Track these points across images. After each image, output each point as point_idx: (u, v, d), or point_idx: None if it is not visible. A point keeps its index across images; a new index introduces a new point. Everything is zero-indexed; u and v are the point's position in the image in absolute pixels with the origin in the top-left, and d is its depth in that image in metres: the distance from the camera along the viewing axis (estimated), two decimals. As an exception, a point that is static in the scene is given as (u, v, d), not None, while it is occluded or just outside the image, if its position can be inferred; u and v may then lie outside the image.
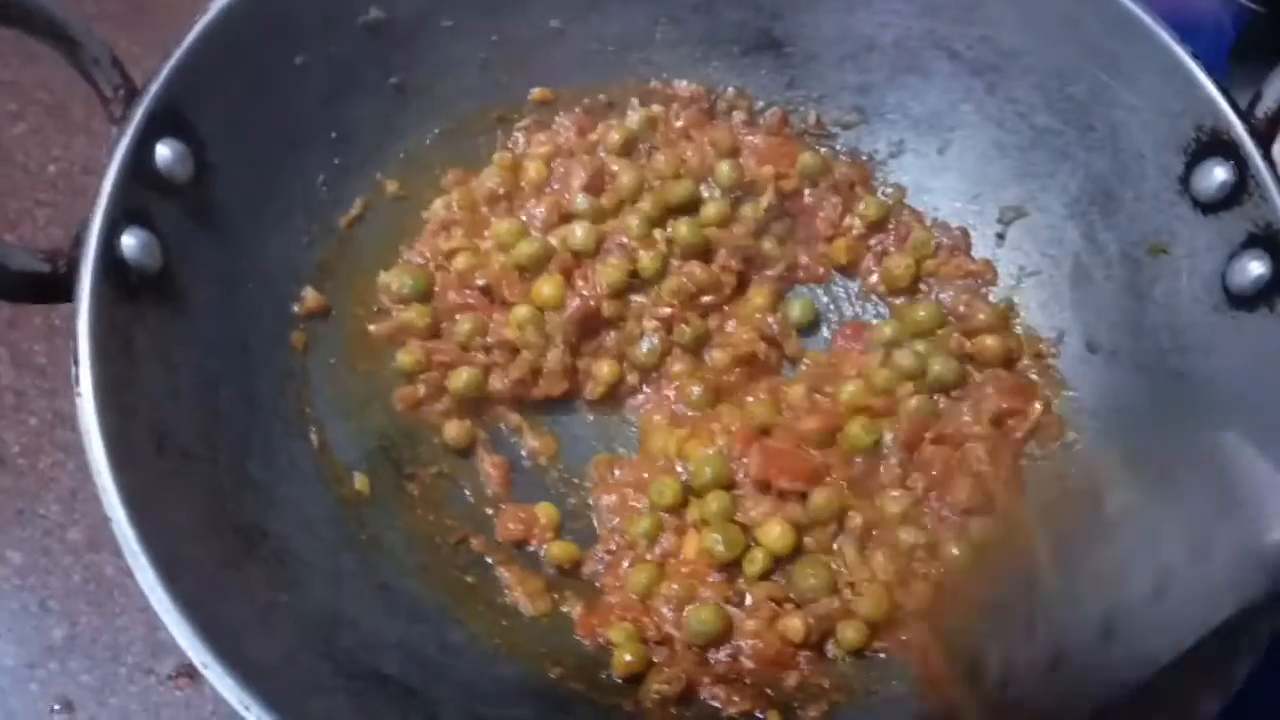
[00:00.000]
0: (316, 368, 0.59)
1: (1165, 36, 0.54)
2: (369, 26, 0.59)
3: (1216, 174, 0.53)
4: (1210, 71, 0.53)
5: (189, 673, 0.62)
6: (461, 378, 0.60)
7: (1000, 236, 0.64)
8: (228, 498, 0.49)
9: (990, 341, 0.61)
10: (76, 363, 0.45)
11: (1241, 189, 0.52)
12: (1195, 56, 0.54)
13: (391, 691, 0.48)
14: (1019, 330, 0.63)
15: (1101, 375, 0.60)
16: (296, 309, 0.59)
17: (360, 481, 0.57)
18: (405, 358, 0.60)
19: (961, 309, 0.63)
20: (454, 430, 0.61)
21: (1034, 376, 0.62)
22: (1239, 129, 0.52)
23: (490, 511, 0.60)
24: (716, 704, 0.53)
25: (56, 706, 0.62)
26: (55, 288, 0.46)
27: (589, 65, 0.65)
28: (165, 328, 0.50)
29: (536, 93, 0.65)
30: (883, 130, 0.66)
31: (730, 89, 0.66)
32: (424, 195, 0.64)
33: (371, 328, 0.61)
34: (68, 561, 0.65)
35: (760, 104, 0.67)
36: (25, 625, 0.63)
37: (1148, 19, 0.54)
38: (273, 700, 0.41)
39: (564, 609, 0.57)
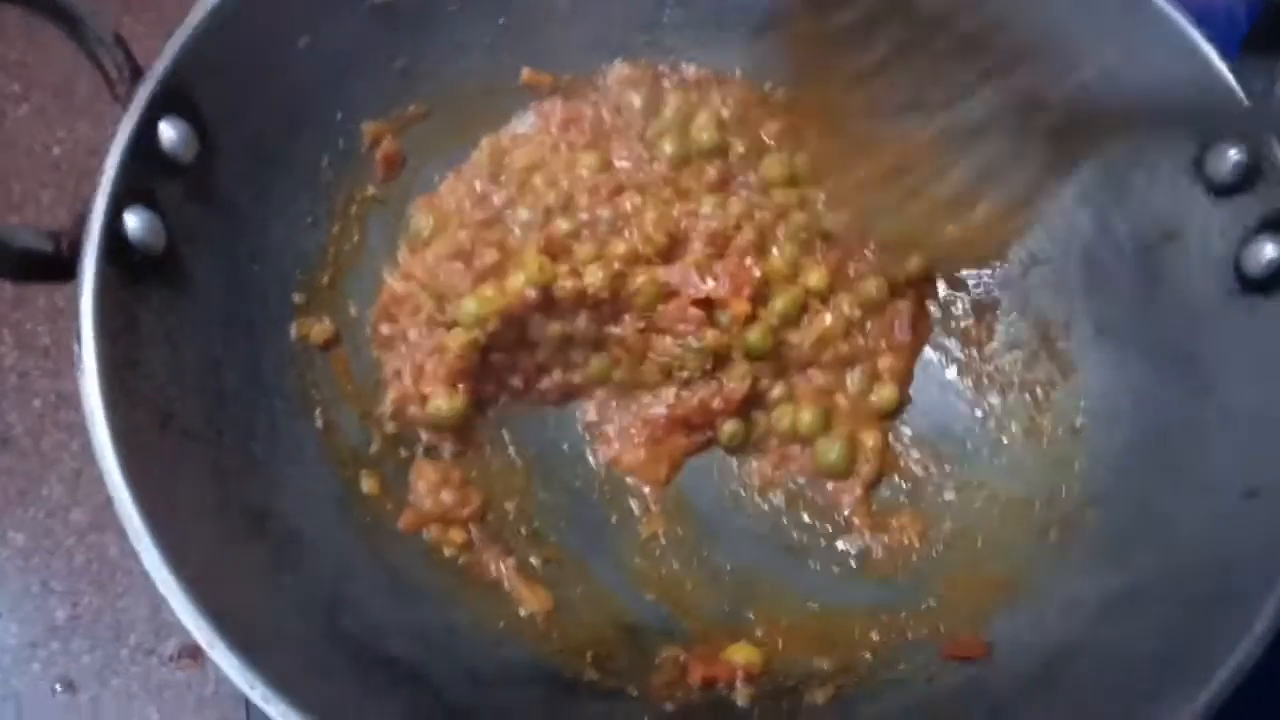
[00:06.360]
0: (321, 350, 0.58)
1: (1178, 18, 0.53)
2: (375, 9, 0.59)
3: (1230, 156, 0.52)
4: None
5: (191, 654, 0.62)
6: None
7: (1009, 222, 0.64)
8: (232, 478, 0.49)
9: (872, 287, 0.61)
10: (79, 342, 0.44)
11: (1255, 172, 0.52)
12: (1209, 39, 0.53)
13: (397, 673, 0.48)
14: (1030, 316, 0.62)
15: (1112, 360, 0.59)
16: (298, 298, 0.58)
17: (367, 464, 0.56)
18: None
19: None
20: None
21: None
22: (1253, 112, 0.52)
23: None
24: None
25: (59, 687, 0.62)
26: (59, 267, 0.46)
27: (596, 48, 0.64)
28: (169, 308, 0.49)
29: (526, 74, 0.64)
30: (891, 113, 0.66)
31: (738, 71, 0.65)
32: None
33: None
34: (70, 542, 0.65)
35: (769, 86, 0.65)
36: (27, 605, 0.63)
37: (1159, 1, 0.53)
38: (277, 680, 0.41)
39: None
